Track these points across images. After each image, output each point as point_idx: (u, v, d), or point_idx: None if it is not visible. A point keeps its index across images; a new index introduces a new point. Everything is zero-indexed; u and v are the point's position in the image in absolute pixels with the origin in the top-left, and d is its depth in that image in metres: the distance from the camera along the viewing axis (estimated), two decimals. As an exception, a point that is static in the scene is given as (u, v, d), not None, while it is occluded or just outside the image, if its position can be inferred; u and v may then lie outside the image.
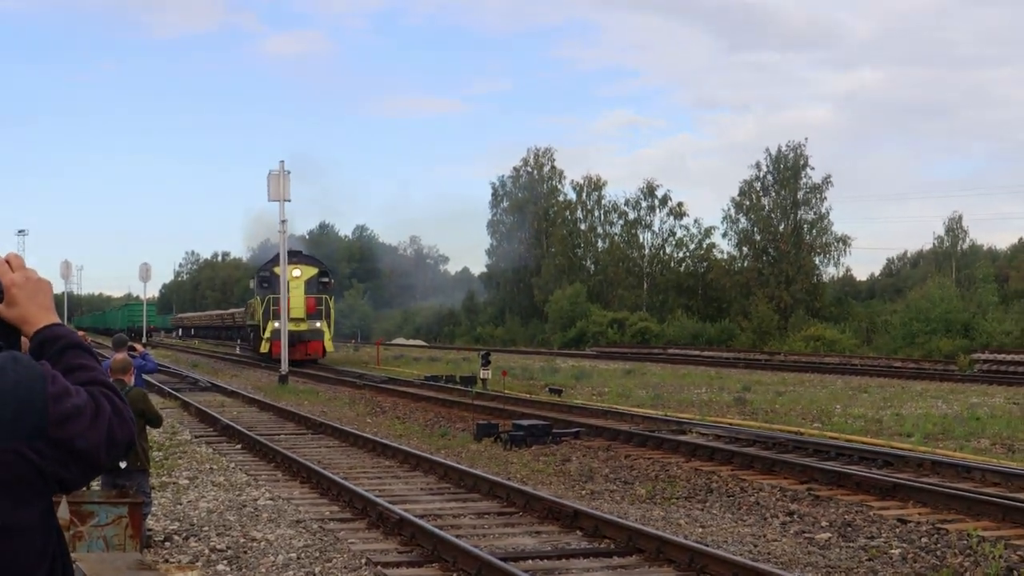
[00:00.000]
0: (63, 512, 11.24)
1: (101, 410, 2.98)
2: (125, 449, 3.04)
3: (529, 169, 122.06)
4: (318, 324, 61.92)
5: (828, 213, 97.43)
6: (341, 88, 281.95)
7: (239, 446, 25.71)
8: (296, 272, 61.00)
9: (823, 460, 21.44)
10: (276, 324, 57.64)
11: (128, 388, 13.43)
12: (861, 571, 13.09)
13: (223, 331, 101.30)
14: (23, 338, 3.19)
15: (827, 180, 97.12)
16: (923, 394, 39.05)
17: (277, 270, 58.19)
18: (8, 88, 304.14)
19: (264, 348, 61.15)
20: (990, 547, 13.73)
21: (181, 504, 17.77)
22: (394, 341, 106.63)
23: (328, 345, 63.08)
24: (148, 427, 13.92)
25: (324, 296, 63.33)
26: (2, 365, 2.90)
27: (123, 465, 13.24)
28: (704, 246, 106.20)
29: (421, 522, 14.86)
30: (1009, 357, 51.30)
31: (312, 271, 64.17)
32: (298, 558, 13.77)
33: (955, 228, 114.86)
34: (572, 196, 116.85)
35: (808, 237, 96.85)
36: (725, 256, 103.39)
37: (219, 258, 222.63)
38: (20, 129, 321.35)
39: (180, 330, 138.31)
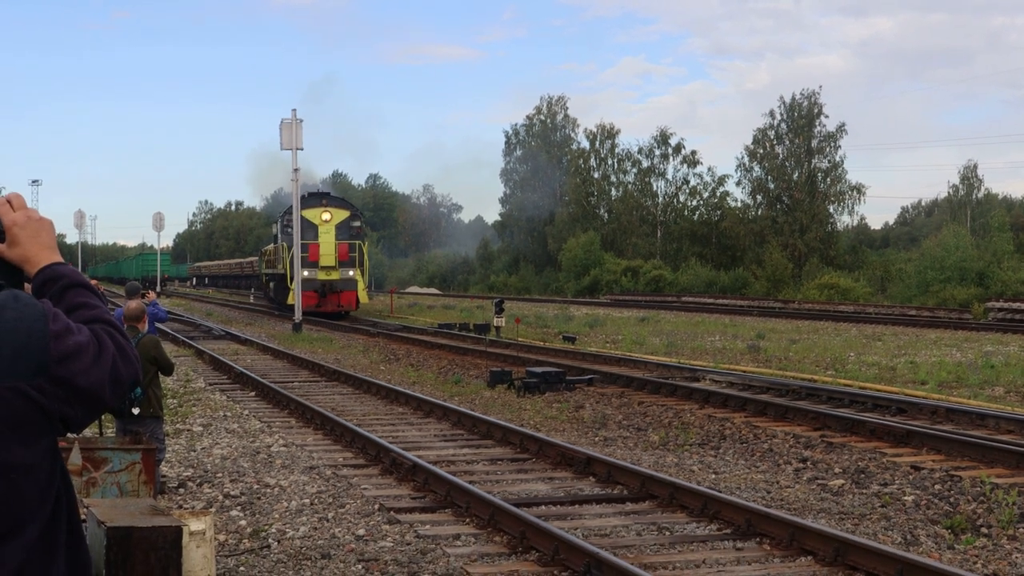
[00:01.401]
0: (76, 458, 11.26)
1: (104, 348, 2.95)
2: (130, 388, 3.02)
3: (543, 117, 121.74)
4: (351, 273, 56.79)
5: (842, 161, 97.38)
6: (356, 34, 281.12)
7: (253, 393, 25.76)
8: (326, 216, 57.41)
9: (836, 407, 21.41)
10: (306, 273, 54.19)
11: (140, 335, 13.43)
12: (874, 517, 13.08)
13: (243, 280, 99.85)
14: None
15: (841, 128, 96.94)
16: (937, 342, 38.98)
17: (307, 212, 55.82)
18: (21, 36, 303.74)
19: (292, 299, 53.79)
20: (1003, 494, 13.70)
21: (195, 451, 17.82)
22: (408, 290, 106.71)
23: (363, 296, 58.16)
24: (160, 375, 13.93)
25: (357, 242, 57.92)
26: (2, 303, 2.87)
27: (136, 411, 13.27)
28: (718, 194, 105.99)
29: (434, 468, 14.87)
30: (1024, 306, 51.20)
31: (343, 214, 58.64)
32: (311, 504, 13.80)
33: (970, 176, 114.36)
34: (586, 144, 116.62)
35: (822, 185, 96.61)
36: (739, 204, 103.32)
37: (233, 207, 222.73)
38: (33, 79, 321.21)
39: (195, 279, 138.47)
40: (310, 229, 56.28)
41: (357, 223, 59.05)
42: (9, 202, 3.19)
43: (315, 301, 55.15)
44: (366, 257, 58.98)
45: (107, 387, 2.93)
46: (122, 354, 2.98)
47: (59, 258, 3.18)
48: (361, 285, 57.44)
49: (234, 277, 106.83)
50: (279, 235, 60.98)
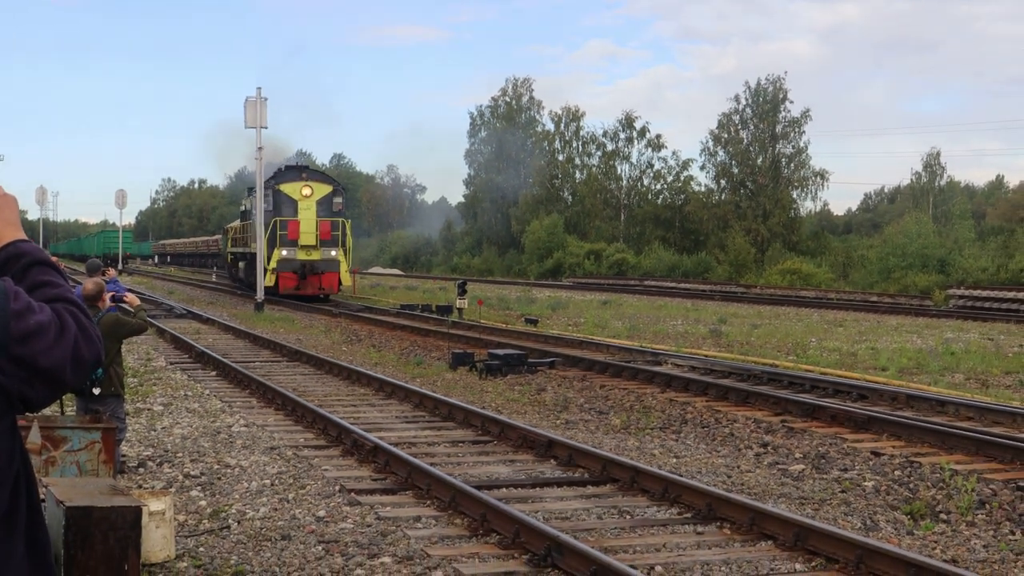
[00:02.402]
0: (35, 436, 11.17)
1: (66, 328, 2.90)
2: (92, 368, 2.97)
3: (508, 99, 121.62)
4: (333, 253, 52.55)
5: (806, 147, 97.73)
6: (323, 13, 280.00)
7: (214, 373, 25.65)
8: (306, 191, 52.98)
9: (798, 392, 21.48)
10: (285, 252, 51.34)
11: (101, 314, 13.31)
12: (834, 502, 13.13)
13: (210, 259, 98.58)
14: None
15: (806, 114, 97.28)
16: (898, 329, 39.19)
17: (286, 187, 52.96)
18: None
19: (269, 281, 51.20)
20: (963, 480, 13.78)
21: (155, 430, 17.73)
22: (370, 270, 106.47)
23: (345, 278, 53.83)
24: (131, 338, 13.77)
25: (340, 219, 53.53)
26: (-39, 282, 2.82)
27: (97, 392, 13.18)
28: (682, 179, 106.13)
29: (395, 450, 14.83)
30: (984, 293, 51.52)
31: (325, 189, 54.17)
32: (272, 484, 13.75)
33: (933, 164, 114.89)
34: (551, 127, 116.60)
35: (786, 171, 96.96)
36: (703, 189, 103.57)
37: (196, 185, 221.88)
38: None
39: (159, 257, 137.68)
40: (288, 205, 52.95)
41: (339, 199, 54.87)
42: None
43: (294, 283, 52.00)
44: (349, 236, 54.51)
45: (68, 367, 2.89)
46: (84, 334, 2.94)
47: (23, 235, 3.13)
48: (344, 266, 53.25)
49: (200, 256, 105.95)
50: (252, 210, 55.53)
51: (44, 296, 2.97)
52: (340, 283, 53.40)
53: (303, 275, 51.83)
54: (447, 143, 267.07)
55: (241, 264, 61.57)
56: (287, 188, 53.16)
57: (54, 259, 3.34)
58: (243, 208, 62.37)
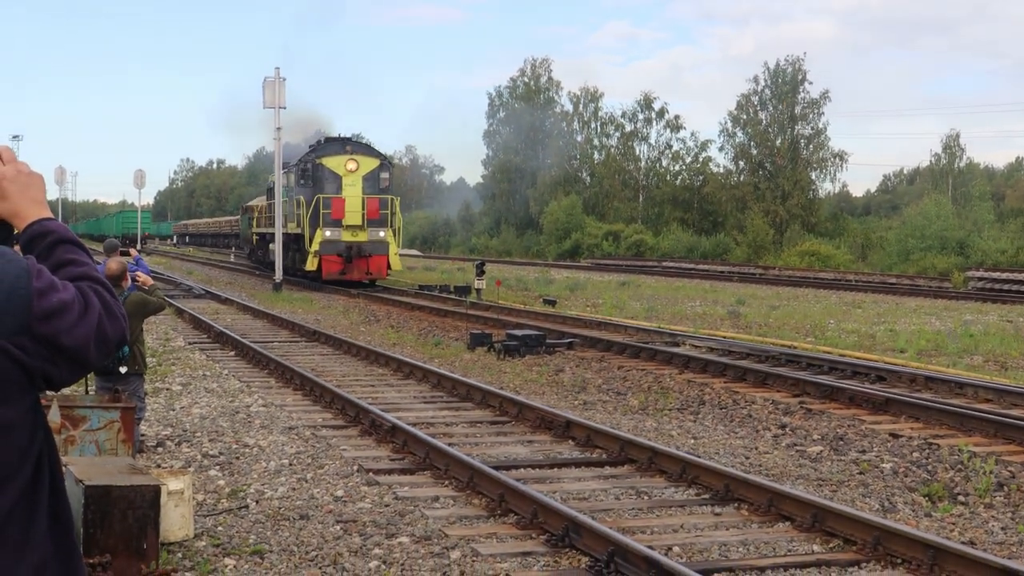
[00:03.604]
0: (55, 415, 11.22)
1: (90, 306, 2.91)
2: (117, 346, 2.98)
3: (526, 79, 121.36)
4: (382, 233, 47.54)
5: (825, 128, 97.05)
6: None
7: (232, 353, 25.71)
8: (351, 165, 47.99)
9: (816, 374, 21.46)
10: (328, 233, 46.62)
11: (125, 293, 13.33)
12: (852, 484, 13.12)
13: (233, 239, 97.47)
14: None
15: (825, 95, 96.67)
16: (917, 311, 39.09)
17: (328, 160, 48.22)
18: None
19: (312, 265, 47.18)
20: (981, 462, 13.76)
21: (174, 410, 17.79)
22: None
23: (395, 261, 48.29)
24: (153, 316, 13.81)
25: (388, 197, 48.55)
26: (-15, 259, 2.83)
27: (123, 370, 13.23)
28: (700, 160, 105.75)
29: (413, 430, 14.86)
30: (1003, 275, 51.33)
31: (372, 163, 48.97)
32: (290, 464, 13.79)
33: (952, 145, 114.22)
34: (569, 108, 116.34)
35: (805, 152, 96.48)
36: (721, 170, 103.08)
37: (214, 165, 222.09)
38: (15, 33, 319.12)
39: (179, 237, 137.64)
40: (331, 180, 48.09)
41: (386, 175, 49.62)
42: None
43: (339, 267, 47.07)
44: (398, 215, 49.47)
45: (92, 345, 2.89)
46: (108, 312, 2.94)
47: (48, 213, 3.14)
48: (393, 248, 48.06)
49: (224, 236, 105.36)
50: (294, 186, 50.42)
51: (69, 274, 2.98)
52: (389, 267, 48.24)
53: (348, 258, 46.97)
54: (466, 123, 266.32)
55: (270, 246, 55.55)
56: (330, 162, 48.37)
57: None
58: (270, 185, 57.79)
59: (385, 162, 50.12)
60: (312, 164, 48.68)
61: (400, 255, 49.30)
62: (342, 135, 52.83)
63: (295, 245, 50.58)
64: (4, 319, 2.77)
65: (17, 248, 3.05)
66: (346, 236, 46.97)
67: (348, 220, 47.06)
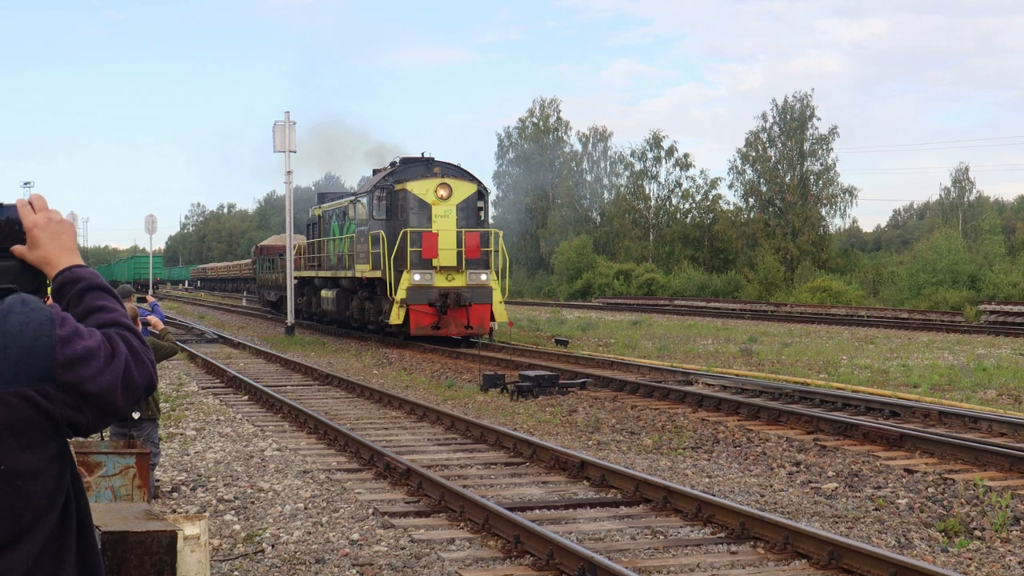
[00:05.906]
0: (71, 462, 11.23)
1: (117, 352, 2.95)
2: (147, 392, 3.02)
3: (535, 120, 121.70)
4: (484, 277, 38.00)
5: (835, 164, 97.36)
6: (350, 39, 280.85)
7: (246, 397, 25.75)
8: (443, 191, 38.42)
9: (829, 410, 21.44)
10: (418, 277, 37.24)
11: (139, 338, 13.36)
12: (868, 520, 13.10)
13: (243, 283, 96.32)
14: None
15: (834, 131, 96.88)
16: (929, 345, 39.03)
17: (414, 186, 38.63)
18: (14, 37, 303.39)
19: (397, 317, 37.44)
20: (996, 497, 13.73)
21: (188, 455, 17.81)
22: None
23: (499, 312, 38.65)
24: (165, 361, 13.86)
25: (491, 231, 39.21)
26: (9, 307, 2.88)
27: (136, 415, 13.27)
28: (710, 197, 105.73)
29: (428, 472, 14.87)
30: (1015, 308, 51.21)
31: (468, 189, 39.25)
32: (305, 508, 13.80)
33: (962, 179, 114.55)
34: (578, 147, 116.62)
35: (814, 188, 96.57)
36: (731, 207, 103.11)
37: (225, 210, 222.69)
38: (26, 79, 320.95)
39: (199, 281, 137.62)
40: (418, 211, 38.59)
41: (482, 203, 39.75)
42: (30, 203, 3.20)
43: (432, 319, 37.54)
44: (503, 254, 39.46)
45: (119, 392, 2.93)
46: (136, 358, 2.98)
47: (79, 260, 3.19)
48: (497, 296, 38.37)
49: (244, 280, 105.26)
50: (367, 217, 40.27)
51: (98, 321, 3.02)
52: (493, 318, 38.66)
53: (443, 308, 37.45)
54: (475, 164, 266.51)
55: (325, 293, 47.09)
56: (415, 187, 38.78)
57: None
58: (311, 221, 49.57)
59: (482, 188, 40.02)
60: (388, 191, 39.72)
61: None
62: (425, 154, 41.43)
63: (366, 292, 41.70)
64: (29, 366, 2.82)
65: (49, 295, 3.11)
66: (440, 281, 37.60)
67: (442, 260, 37.71)
